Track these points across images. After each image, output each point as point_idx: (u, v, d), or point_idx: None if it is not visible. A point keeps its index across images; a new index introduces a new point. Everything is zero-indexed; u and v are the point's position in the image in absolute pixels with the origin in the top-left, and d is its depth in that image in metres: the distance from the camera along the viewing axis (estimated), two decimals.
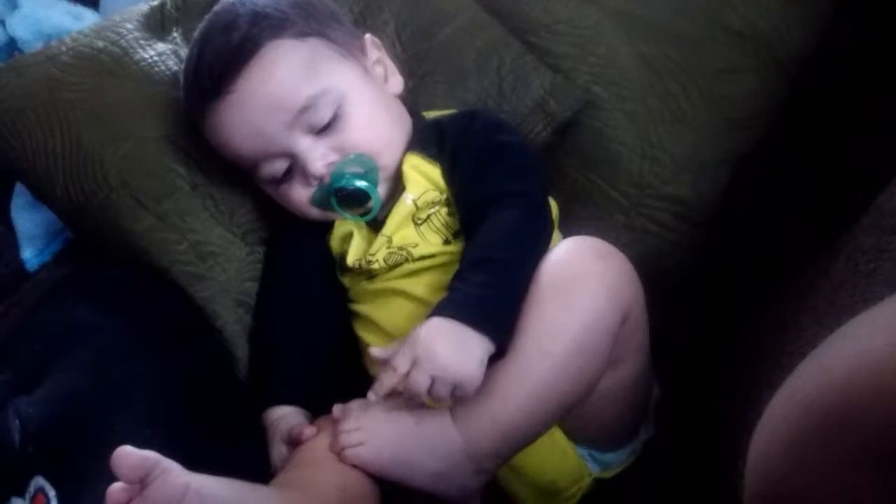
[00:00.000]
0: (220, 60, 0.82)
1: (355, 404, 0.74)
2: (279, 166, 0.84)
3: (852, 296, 0.61)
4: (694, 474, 0.79)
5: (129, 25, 1.00)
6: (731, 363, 0.77)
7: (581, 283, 0.72)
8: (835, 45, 0.88)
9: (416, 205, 0.83)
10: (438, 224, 0.84)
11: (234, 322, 0.89)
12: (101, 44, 0.97)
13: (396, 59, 0.94)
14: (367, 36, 0.91)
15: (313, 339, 0.87)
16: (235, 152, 0.85)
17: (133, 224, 0.89)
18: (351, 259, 0.85)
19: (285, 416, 0.82)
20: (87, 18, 1.19)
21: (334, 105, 0.82)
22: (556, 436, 0.80)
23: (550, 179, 0.91)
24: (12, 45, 1.17)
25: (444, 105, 0.93)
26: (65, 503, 0.66)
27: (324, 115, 0.82)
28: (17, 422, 0.69)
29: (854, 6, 0.88)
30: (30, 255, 1.07)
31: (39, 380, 0.73)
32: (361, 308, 0.86)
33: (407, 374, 0.68)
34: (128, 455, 0.56)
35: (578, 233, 0.79)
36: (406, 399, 0.70)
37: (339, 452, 0.71)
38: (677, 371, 0.86)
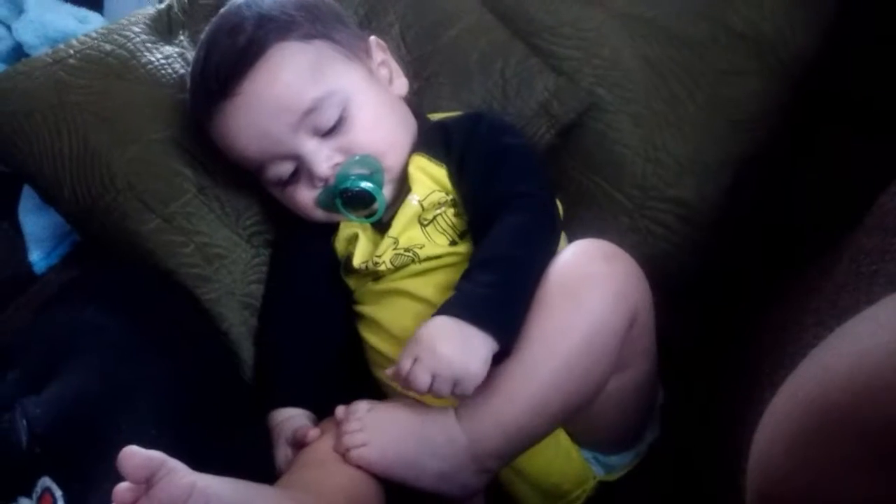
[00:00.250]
0: (227, 62, 0.82)
1: (357, 405, 0.74)
2: (285, 168, 0.84)
3: (855, 297, 0.60)
4: (698, 476, 0.79)
5: (136, 29, 1.00)
6: (733, 364, 0.77)
7: (589, 285, 0.72)
8: (838, 46, 0.88)
9: (421, 206, 0.83)
10: (445, 225, 0.84)
11: (239, 324, 0.90)
12: (108, 47, 0.97)
13: (401, 61, 0.95)
14: (372, 38, 0.91)
15: (318, 341, 0.87)
16: (241, 154, 0.85)
17: (140, 226, 0.90)
18: (357, 261, 0.85)
19: (290, 418, 0.82)
20: (93, 21, 1.20)
21: (340, 107, 0.83)
22: (561, 438, 0.80)
23: (554, 181, 0.91)
24: (19, 50, 1.17)
25: (449, 107, 0.93)
26: (71, 503, 0.66)
27: (329, 117, 0.82)
28: (24, 422, 0.69)
29: (857, 8, 0.88)
30: (37, 257, 1.07)
31: (47, 380, 0.74)
32: (366, 309, 0.86)
33: (409, 371, 0.68)
34: (134, 455, 0.56)
35: (583, 235, 0.79)
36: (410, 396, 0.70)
37: (343, 453, 0.72)
38: (680, 373, 0.86)
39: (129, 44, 0.98)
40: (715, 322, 0.90)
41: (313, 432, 0.77)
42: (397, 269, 0.83)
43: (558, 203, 0.87)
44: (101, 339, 0.77)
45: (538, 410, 0.71)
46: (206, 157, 0.92)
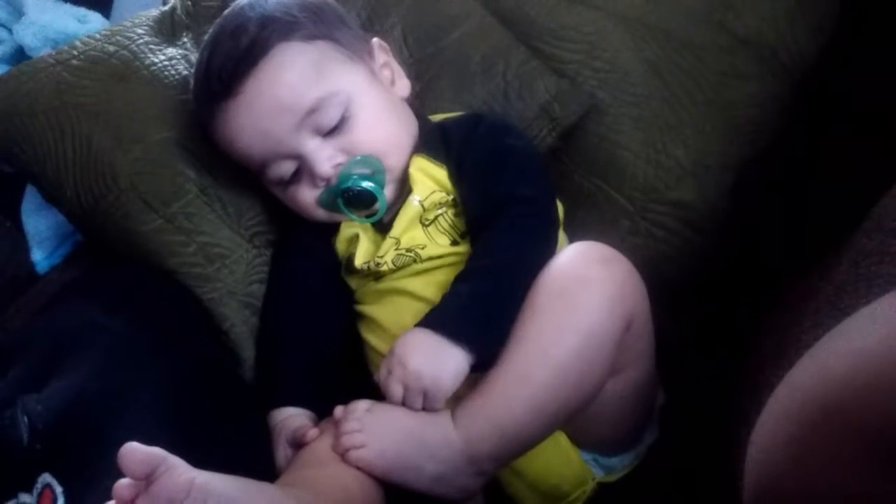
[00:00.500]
0: (230, 62, 0.82)
1: (356, 405, 0.74)
2: (287, 168, 0.85)
3: (854, 299, 0.60)
4: (696, 478, 0.79)
5: (139, 30, 1.01)
6: (733, 367, 0.77)
7: (584, 288, 0.72)
8: (839, 49, 0.88)
9: (422, 206, 0.84)
10: (446, 225, 0.84)
11: (240, 323, 0.90)
12: (111, 48, 0.98)
13: (403, 62, 0.95)
14: (375, 39, 0.92)
15: (319, 340, 0.87)
16: (244, 154, 0.86)
17: (142, 226, 0.90)
18: (359, 261, 0.85)
19: (290, 418, 0.82)
20: (93, 21, 1.20)
21: (342, 107, 0.83)
22: (561, 440, 0.80)
23: (555, 184, 0.91)
24: (21, 52, 1.17)
25: (450, 109, 0.93)
26: (72, 499, 0.66)
27: (331, 117, 0.82)
28: (25, 419, 0.69)
29: (858, 11, 0.88)
30: (39, 257, 1.07)
31: (48, 378, 0.74)
32: (367, 309, 0.86)
33: (383, 382, 0.71)
34: (134, 451, 0.56)
35: (583, 237, 0.80)
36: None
37: (341, 454, 0.72)
38: (679, 375, 0.86)
39: (132, 45, 0.99)
40: (715, 324, 0.90)
41: (312, 432, 0.77)
42: (398, 268, 0.84)
43: (559, 204, 0.87)
44: (102, 337, 0.77)
45: (534, 413, 0.71)
46: (209, 157, 0.92)
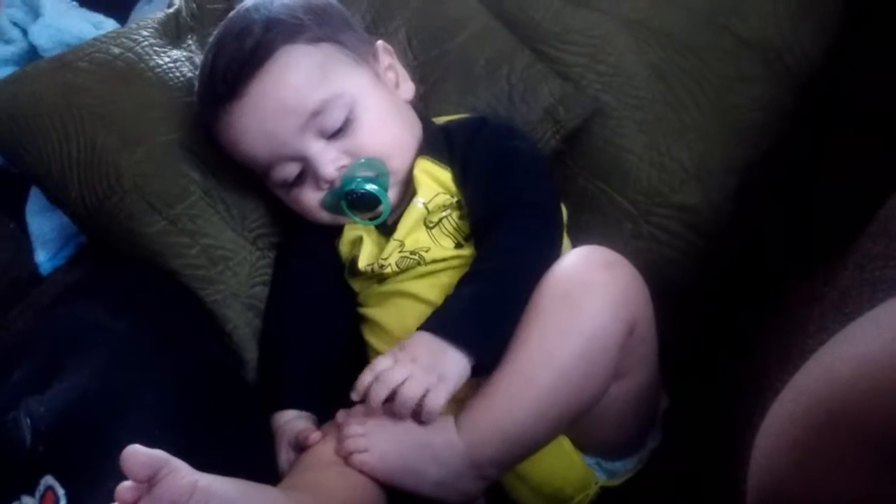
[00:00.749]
0: (234, 64, 0.83)
1: (358, 409, 0.74)
2: (291, 170, 0.85)
3: (859, 303, 0.60)
4: (701, 482, 0.79)
5: (144, 32, 1.01)
6: (737, 371, 0.77)
7: (588, 292, 0.72)
8: (844, 52, 0.88)
9: (426, 208, 0.84)
10: (450, 228, 0.84)
11: (243, 325, 0.90)
12: (116, 50, 0.98)
13: (408, 65, 0.95)
14: (380, 42, 0.92)
15: (322, 343, 0.87)
16: (248, 155, 0.86)
17: (145, 228, 0.90)
18: (363, 263, 0.85)
19: (293, 421, 0.82)
20: (108, 27, 1.20)
21: (346, 109, 0.83)
22: (564, 444, 0.80)
23: (559, 187, 0.91)
24: (34, 53, 1.18)
25: (455, 112, 0.93)
26: (74, 502, 0.66)
27: (336, 119, 0.83)
28: (28, 421, 0.69)
29: (863, 14, 0.88)
30: (43, 258, 1.07)
31: (51, 380, 0.74)
32: (370, 311, 0.86)
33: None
34: (137, 454, 0.56)
35: (587, 241, 0.80)
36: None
37: (344, 457, 0.72)
38: (683, 379, 0.86)
39: (137, 47, 0.99)
40: (719, 328, 0.90)
41: (315, 435, 0.77)
42: (402, 271, 0.84)
43: (563, 207, 0.87)
44: (105, 339, 0.78)
45: (536, 417, 0.71)
46: (213, 159, 0.92)
